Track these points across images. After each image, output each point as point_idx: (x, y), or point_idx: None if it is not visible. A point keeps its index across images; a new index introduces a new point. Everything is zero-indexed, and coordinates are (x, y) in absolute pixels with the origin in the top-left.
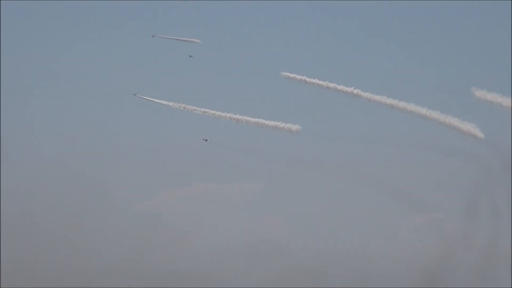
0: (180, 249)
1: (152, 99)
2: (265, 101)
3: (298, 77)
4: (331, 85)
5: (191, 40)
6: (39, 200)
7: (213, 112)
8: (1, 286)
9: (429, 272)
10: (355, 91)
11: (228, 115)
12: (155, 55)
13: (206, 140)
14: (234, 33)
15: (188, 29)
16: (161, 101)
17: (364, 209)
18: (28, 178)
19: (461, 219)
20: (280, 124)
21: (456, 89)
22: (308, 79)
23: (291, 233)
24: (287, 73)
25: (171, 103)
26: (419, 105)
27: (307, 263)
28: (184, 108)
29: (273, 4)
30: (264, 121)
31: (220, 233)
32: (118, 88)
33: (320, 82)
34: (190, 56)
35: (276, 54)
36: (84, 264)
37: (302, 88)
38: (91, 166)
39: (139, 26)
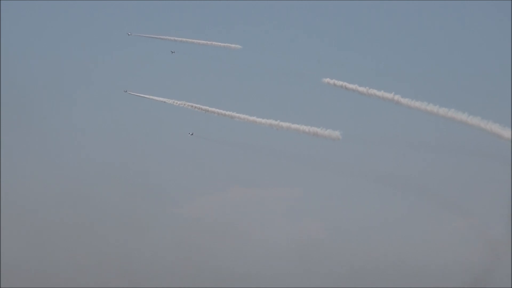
0: (229, 252)
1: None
2: (306, 107)
3: (339, 83)
4: (371, 91)
5: (231, 45)
6: (89, 202)
7: (253, 118)
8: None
9: (471, 276)
10: (395, 97)
11: (268, 121)
12: (199, 61)
13: (192, 134)
14: (275, 38)
15: (229, 34)
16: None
17: (404, 213)
18: (77, 181)
19: (503, 223)
20: (320, 131)
21: (495, 94)
22: (348, 85)
23: (332, 237)
24: (328, 79)
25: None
26: (460, 110)
27: (351, 265)
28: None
29: (314, 8)
30: (305, 127)
31: (266, 236)
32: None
33: (360, 88)
34: (172, 52)
35: (318, 59)
36: (132, 263)
37: (343, 94)
38: (138, 169)
39: (184, 32)
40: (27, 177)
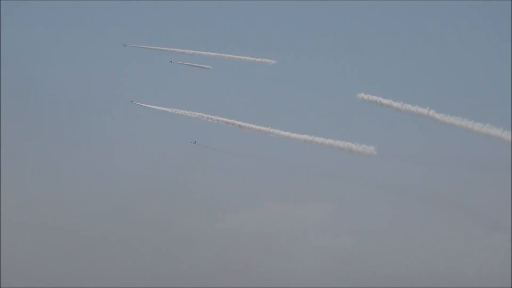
0: (267, 265)
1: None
2: (341, 122)
3: (374, 98)
4: (406, 106)
5: (266, 60)
6: (132, 216)
7: (287, 133)
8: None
9: None
10: (430, 112)
11: (303, 136)
12: (235, 76)
13: (195, 143)
14: (309, 53)
15: (264, 50)
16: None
17: (437, 228)
18: (118, 195)
19: None
20: (355, 146)
21: None
22: (383, 100)
23: (365, 253)
24: (362, 94)
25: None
26: (494, 125)
27: (383, 280)
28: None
29: (348, 25)
30: (339, 142)
31: (302, 249)
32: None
33: (395, 104)
34: (171, 62)
35: (353, 74)
36: (173, 276)
37: (378, 110)
38: (175, 182)
39: (221, 47)
40: (68, 193)
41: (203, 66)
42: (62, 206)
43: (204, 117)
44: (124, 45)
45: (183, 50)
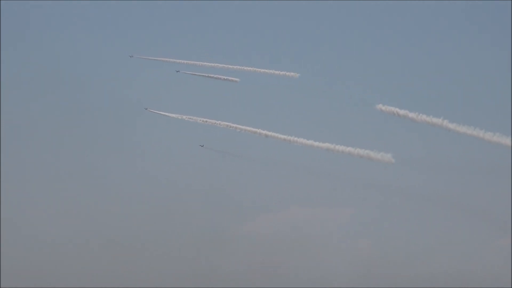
0: (293, 267)
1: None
2: (360, 131)
3: (391, 109)
4: (421, 116)
5: (289, 74)
6: (165, 218)
7: (310, 142)
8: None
9: None
10: (444, 122)
11: (325, 145)
12: (260, 88)
13: (202, 146)
14: (329, 66)
15: (286, 62)
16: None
17: (453, 233)
18: (150, 198)
19: None
20: (373, 154)
21: None
22: (399, 111)
23: (381, 254)
24: (380, 105)
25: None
26: (505, 134)
27: (399, 281)
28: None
29: (366, 37)
30: (359, 150)
31: (325, 252)
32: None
33: (411, 114)
34: (177, 71)
35: (371, 86)
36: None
37: (396, 120)
38: (204, 187)
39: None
40: (101, 198)
41: (232, 79)
42: (98, 211)
43: (232, 126)
44: (130, 56)
45: (201, 63)
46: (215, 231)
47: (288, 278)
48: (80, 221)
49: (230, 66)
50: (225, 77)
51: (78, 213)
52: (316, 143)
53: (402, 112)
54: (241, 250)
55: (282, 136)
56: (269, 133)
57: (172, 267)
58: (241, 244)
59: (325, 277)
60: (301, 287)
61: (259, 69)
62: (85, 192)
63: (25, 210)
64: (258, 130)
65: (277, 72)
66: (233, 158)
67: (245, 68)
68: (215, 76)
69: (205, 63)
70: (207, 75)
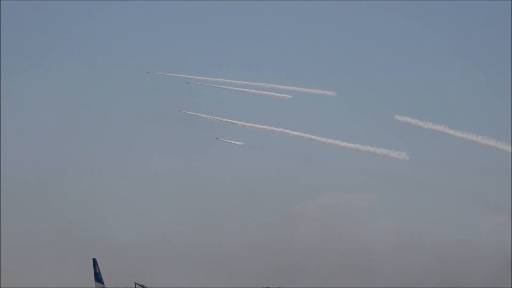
0: (335, 245)
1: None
2: (381, 135)
3: (407, 119)
4: (428, 124)
5: (326, 92)
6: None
7: (344, 143)
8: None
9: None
10: (445, 128)
11: (355, 146)
12: (298, 104)
13: (217, 138)
14: (367, 85)
15: (323, 79)
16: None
17: (454, 211)
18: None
19: None
20: (392, 153)
21: None
22: (411, 120)
23: (402, 230)
24: (397, 116)
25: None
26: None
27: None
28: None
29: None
30: (382, 150)
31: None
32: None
33: (420, 123)
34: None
35: (391, 98)
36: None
37: (409, 127)
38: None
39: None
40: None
41: (285, 95)
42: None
43: (284, 132)
44: (147, 72)
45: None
46: (282, 209)
47: (342, 245)
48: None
49: (277, 86)
50: (280, 95)
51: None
52: (350, 144)
53: (413, 120)
54: (303, 224)
55: (322, 139)
56: (312, 137)
57: (251, 236)
58: (301, 219)
59: (366, 244)
60: (352, 251)
61: (297, 88)
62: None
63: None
64: (305, 135)
65: (314, 90)
66: (286, 157)
67: (286, 87)
68: (271, 94)
69: (260, 84)
70: (280, 95)
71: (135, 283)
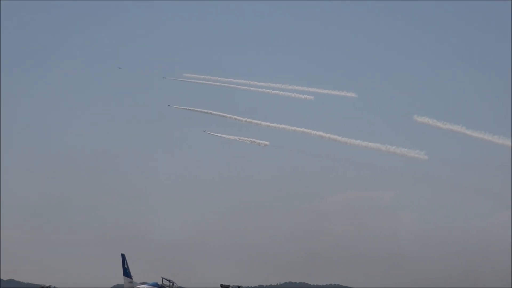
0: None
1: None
2: (400, 135)
3: (425, 120)
4: (446, 124)
5: (347, 94)
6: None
7: (365, 143)
8: None
9: None
10: (462, 128)
11: (376, 145)
12: (319, 106)
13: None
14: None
15: (344, 81)
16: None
17: (465, 207)
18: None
19: None
20: (411, 152)
21: None
22: (430, 121)
23: (419, 223)
24: (416, 116)
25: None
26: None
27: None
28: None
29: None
30: (402, 149)
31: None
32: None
33: (438, 123)
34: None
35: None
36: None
37: (428, 127)
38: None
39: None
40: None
41: (307, 97)
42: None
43: (306, 131)
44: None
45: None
46: (308, 205)
47: (368, 239)
48: None
49: (302, 88)
50: (302, 96)
51: None
52: (370, 144)
53: (432, 121)
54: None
55: (344, 139)
56: (333, 137)
57: (282, 230)
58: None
59: (390, 238)
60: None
61: (317, 90)
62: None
63: None
64: (328, 135)
65: (335, 92)
66: (309, 156)
67: (310, 89)
68: (293, 95)
69: (283, 85)
70: (301, 96)
71: (162, 278)
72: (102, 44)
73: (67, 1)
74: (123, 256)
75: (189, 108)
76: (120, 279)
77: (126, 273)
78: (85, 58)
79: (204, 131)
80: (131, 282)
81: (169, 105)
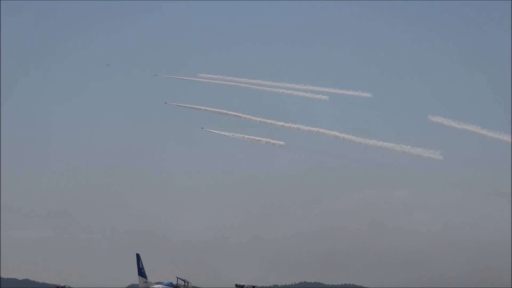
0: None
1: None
2: (416, 135)
3: (440, 120)
4: (461, 124)
5: (362, 94)
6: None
7: (380, 143)
8: None
9: None
10: (477, 128)
11: (391, 145)
12: (334, 107)
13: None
14: (402, 85)
15: (359, 81)
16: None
17: (489, 209)
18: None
19: None
20: (426, 152)
21: None
22: (445, 121)
23: (433, 221)
24: (431, 116)
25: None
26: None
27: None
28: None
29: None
30: (417, 149)
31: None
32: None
33: (453, 123)
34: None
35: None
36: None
37: (443, 127)
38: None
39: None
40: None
41: (321, 96)
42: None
43: (321, 131)
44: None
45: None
46: (324, 204)
47: (381, 237)
48: None
49: (314, 88)
50: (316, 96)
51: None
52: (385, 144)
53: (446, 121)
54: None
55: (358, 139)
56: (347, 137)
57: (299, 230)
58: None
59: (406, 236)
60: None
61: (333, 90)
62: None
63: None
64: (342, 135)
65: (350, 92)
66: (324, 156)
67: (324, 89)
68: (308, 95)
69: (297, 85)
70: (316, 96)
71: (177, 278)
72: (102, 44)
73: (69, 1)
74: (138, 256)
75: (196, 107)
76: (135, 279)
77: (141, 273)
78: (85, 58)
79: (202, 128)
80: (146, 282)
81: (165, 102)
